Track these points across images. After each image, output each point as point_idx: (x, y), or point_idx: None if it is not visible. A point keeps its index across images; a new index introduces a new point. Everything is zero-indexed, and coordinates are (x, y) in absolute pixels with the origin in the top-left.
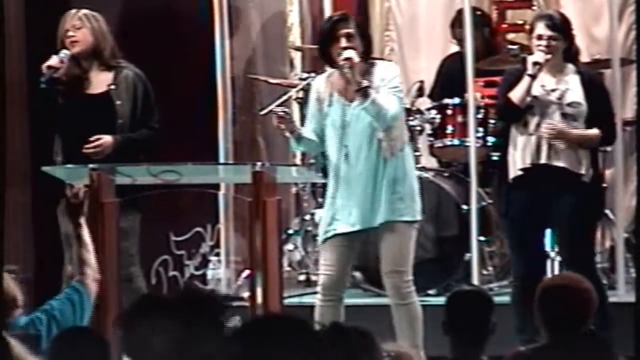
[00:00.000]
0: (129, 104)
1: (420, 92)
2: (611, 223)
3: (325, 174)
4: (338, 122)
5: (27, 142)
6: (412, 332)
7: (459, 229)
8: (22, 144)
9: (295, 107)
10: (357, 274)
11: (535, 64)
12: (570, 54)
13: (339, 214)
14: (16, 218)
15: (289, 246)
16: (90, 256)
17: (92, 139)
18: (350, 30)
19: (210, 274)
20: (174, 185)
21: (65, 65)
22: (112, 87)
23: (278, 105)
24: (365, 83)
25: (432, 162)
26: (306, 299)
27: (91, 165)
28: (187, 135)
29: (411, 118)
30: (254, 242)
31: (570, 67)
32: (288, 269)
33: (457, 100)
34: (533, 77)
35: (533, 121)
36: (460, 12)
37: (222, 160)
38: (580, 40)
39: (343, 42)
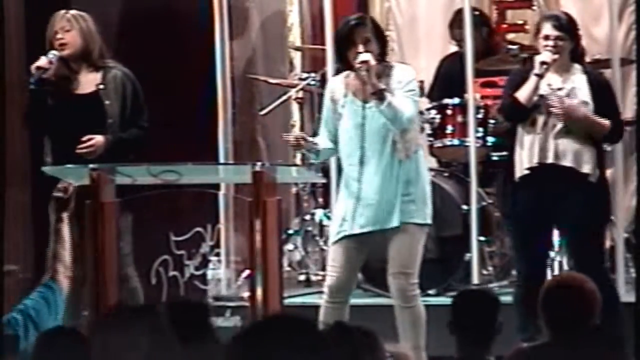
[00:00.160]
0: (118, 103)
1: (420, 92)
2: (611, 223)
3: (325, 174)
4: (352, 124)
5: (27, 142)
6: (415, 334)
7: (462, 229)
8: (22, 144)
9: (295, 107)
10: (359, 275)
11: (542, 63)
12: (577, 54)
13: (350, 216)
14: (16, 218)
15: (289, 246)
16: (65, 253)
17: (84, 139)
18: (368, 35)
19: (210, 274)
20: (174, 185)
21: (54, 66)
22: (101, 87)
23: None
24: (381, 86)
25: (432, 162)
26: (306, 299)
27: (91, 165)
28: (187, 135)
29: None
30: (254, 242)
31: (577, 67)
32: (288, 269)
33: (456, 100)
34: (540, 76)
35: (540, 120)
36: (458, 13)
37: (222, 160)
38: None
39: (360, 47)
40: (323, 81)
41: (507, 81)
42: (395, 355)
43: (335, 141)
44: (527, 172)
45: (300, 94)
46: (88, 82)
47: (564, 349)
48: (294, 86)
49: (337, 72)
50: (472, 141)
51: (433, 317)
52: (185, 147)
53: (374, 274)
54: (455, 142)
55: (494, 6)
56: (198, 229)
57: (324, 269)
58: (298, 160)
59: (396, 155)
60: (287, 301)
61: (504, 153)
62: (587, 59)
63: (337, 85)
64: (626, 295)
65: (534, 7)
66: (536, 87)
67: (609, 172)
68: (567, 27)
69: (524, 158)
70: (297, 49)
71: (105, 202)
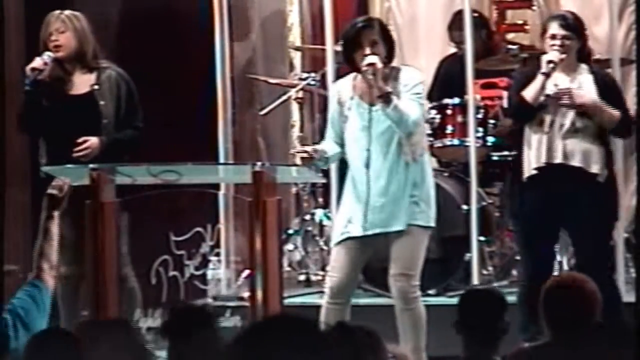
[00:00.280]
0: (113, 104)
1: None
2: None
3: (325, 174)
4: (359, 126)
5: (27, 142)
6: (416, 336)
7: (462, 229)
8: (22, 144)
9: (295, 107)
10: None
11: (549, 62)
12: (584, 54)
13: (355, 217)
14: (16, 218)
15: (289, 246)
16: (52, 251)
17: (79, 141)
18: (375, 37)
19: (210, 274)
20: (174, 185)
21: (48, 67)
22: (96, 87)
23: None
24: (388, 89)
25: (432, 162)
26: (306, 299)
27: (91, 165)
28: (187, 135)
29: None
30: (254, 242)
31: (584, 67)
32: (288, 269)
33: (456, 100)
34: (547, 75)
35: (547, 120)
36: (457, 15)
37: (222, 160)
38: None
39: (367, 49)
40: (323, 81)
41: (513, 81)
42: (396, 356)
43: (341, 143)
44: (535, 172)
45: (300, 94)
46: (82, 82)
47: (564, 349)
48: (294, 86)
49: (337, 71)
50: (472, 141)
51: (433, 317)
52: (185, 147)
53: (374, 274)
54: (455, 142)
55: (494, 6)
56: (198, 229)
57: (324, 269)
58: (298, 161)
59: (402, 158)
60: (287, 301)
61: (504, 153)
62: None
63: (343, 87)
64: (626, 295)
65: (534, 7)
66: (543, 86)
67: None
68: (574, 26)
69: (532, 158)
70: (297, 49)
71: (105, 202)
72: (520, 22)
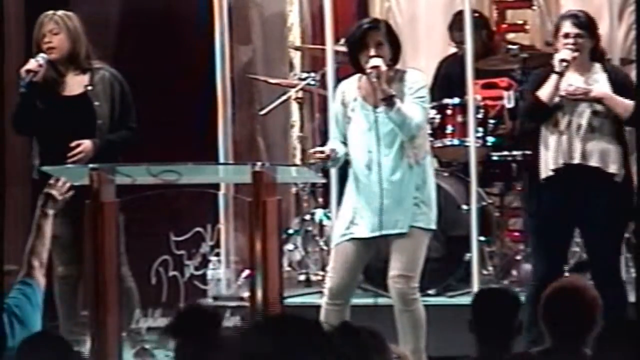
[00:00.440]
0: (107, 104)
1: None
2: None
3: (325, 174)
4: (362, 128)
5: (27, 142)
6: (415, 337)
7: (462, 229)
8: (22, 144)
9: (295, 107)
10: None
11: (562, 61)
12: (597, 53)
13: (357, 219)
14: (16, 218)
15: (289, 246)
16: (44, 249)
17: (72, 144)
18: (380, 39)
19: (210, 274)
20: (174, 185)
21: (43, 69)
22: (90, 88)
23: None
24: (391, 92)
25: (433, 163)
26: (306, 299)
27: (91, 165)
28: (187, 135)
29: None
30: (254, 242)
31: (597, 66)
32: (288, 269)
33: (456, 100)
34: (560, 74)
35: (563, 120)
36: (458, 15)
37: (222, 160)
38: None
39: (372, 51)
40: (323, 81)
41: (528, 81)
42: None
43: (346, 143)
44: (552, 173)
45: (300, 94)
46: (76, 84)
47: (566, 355)
48: (293, 86)
49: (337, 71)
50: (472, 141)
51: (433, 317)
52: (185, 147)
53: (374, 274)
54: (455, 142)
55: (494, 6)
56: (198, 229)
57: (324, 269)
58: (298, 160)
59: (405, 161)
60: (287, 301)
61: (504, 153)
62: None
63: (348, 88)
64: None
65: (534, 7)
66: (557, 86)
67: None
68: (586, 25)
69: (550, 159)
70: (297, 49)
71: (105, 202)
72: (520, 22)
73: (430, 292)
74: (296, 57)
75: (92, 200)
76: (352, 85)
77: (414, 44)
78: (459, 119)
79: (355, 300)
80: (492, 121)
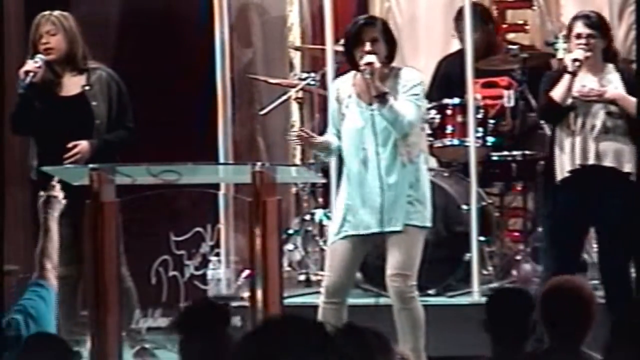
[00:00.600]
0: (105, 104)
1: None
2: None
3: (325, 174)
4: (356, 125)
5: (27, 142)
6: (414, 336)
7: (462, 229)
8: (22, 144)
9: (295, 107)
10: (358, 274)
11: (575, 60)
12: (609, 54)
13: (351, 216)
14: (16, 218)
15: (289, 246)
16: (54, 251)
17: (69, 146)
18: (375, 35)
19: (210, 274)
20: (174, 185)
21: (41, 70)
22: (87, 88)
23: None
24: (384, 89)
25: (432, 162)
26: (306, 299)
27: (91, 165)
28: (187, 135)
29: (422, 121)
30: (254, 242)
31: (610, 66)
32: (288, 269)
33: (456, 100)
34: (573, 74)
35: (578, 122)
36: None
37: (222, 160)
38: None
39: (367, 47)
40: (323, 81)
41: (542, 82)
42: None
43: (341, 139)
44: (568, 174)
45: (300, 94)
46: (72, 84)
47: (566, 354)
48: (293, 86)
49: (337, 71)
50: (472, 141)
51: (433, 317)
52: (185, 147)
53: (374, 274)
54: (455, 142)
55: (494, 6)
56: (198, 229)
57: (323, 269)
58: (298, 160)
59: (398, 159)
60: (287, 301)
61: (504, 153)
62: None
63: (343, 85)
64: None
65: (534, 7)
66: (570, 86)
67: None
68: (598, 25)
69: (565, 161)
70: (297, 49)
71: (105, 202)
72: (520, 22)
73: (430, 292)
74: (296, 57)
75: (92, 200)
76: (347, 82)
77: (414, 44)
78: (459, 119)
79: (355, 300)
80: (492, 121)
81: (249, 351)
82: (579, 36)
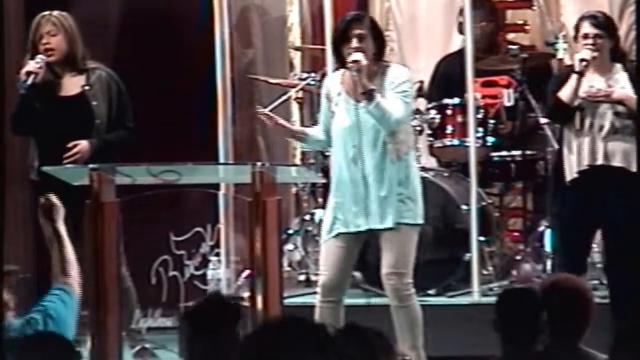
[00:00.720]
0: (105, 104)
1: (420, 92)
2: None
3: (325, 174)
4: (344, 122)
5: (27, 142)
6: (412, 334)
7: (462, 229)
8: (22, 144)
9: (295, 107)
10: (357, 274)
11: (582, 60)
12: (617, 53)
13: (342, 214)
14: (16, 218)
15: (289, 246)
16: (71, 255)
17: (69, 145)
18: (363, 32)
19: (210, 274)
20: (174, 185)
21: (42, 71)
22: (87, 88)
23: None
24: (370, 86)
25: (431, 162)
26: (306, 299)
27: (91, 165)
28: (187, 135)
29: (411, 118)
30: (254, 242)
31: (618, 66)
32: (288, 269)
33: (456, 100)
34: (581, 74)
35: (586, 122)
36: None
37: (222, 160)
38: None
39: (354, 43)
40: (323, 81)
41: (549, 83)
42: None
43: (329, 136)
44: (577, 175)
45: (300, 94)
46: (72, 84)
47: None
48: (294, 86)
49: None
50: (472, 141)
51: (433, 317)
52: (185, 147)
53: (373, 274)
54: (455, 142)
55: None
56: (198, 229)
57: None
58: (298, 160)
59: (387, 156)
60: (287, 301)
61: (504, 153)
62: None
63: (332, 83)
64: None
65: (534, 7)
66: (578, 86)
67: None
68: (605, 25)
69: (574, 161)
70: (297, 49)
71: (105, 202)
72: (520, 22)
73: (430, 292)
74: (296, 57)
75: (92, 200)
76: (336, 80)
77: (414, 44)
78: (459, 119)
79: (355, 300)
80: (492, 121)
81: (249, 352)
82: (586, 36)
